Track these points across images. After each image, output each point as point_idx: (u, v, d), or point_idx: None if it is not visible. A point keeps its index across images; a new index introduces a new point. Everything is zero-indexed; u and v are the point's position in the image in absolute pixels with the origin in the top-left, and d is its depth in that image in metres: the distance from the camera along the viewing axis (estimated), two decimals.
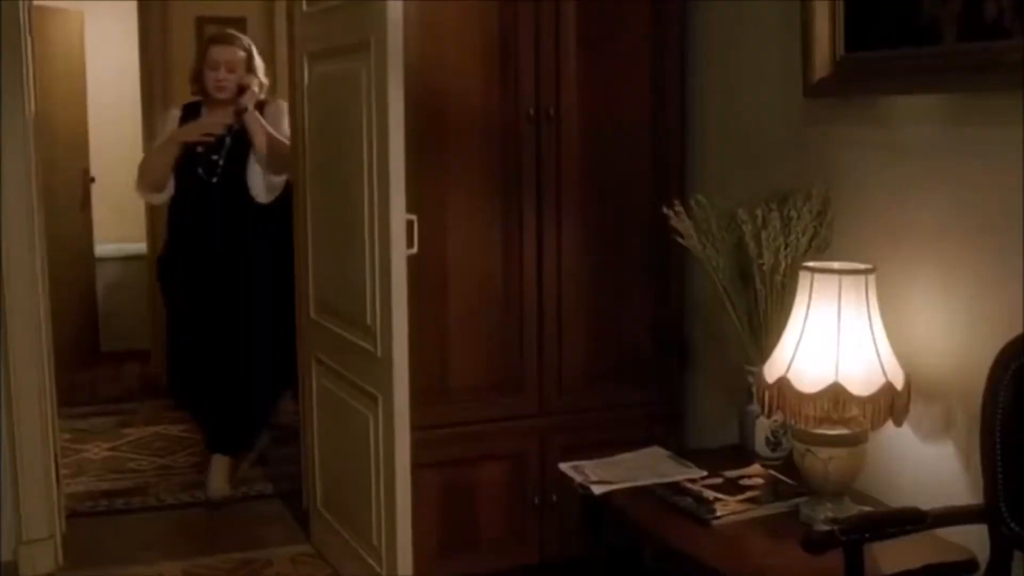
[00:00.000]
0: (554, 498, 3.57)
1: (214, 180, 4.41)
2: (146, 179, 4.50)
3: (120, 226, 7.53)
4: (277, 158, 4.36)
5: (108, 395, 6.43)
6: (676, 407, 3.76)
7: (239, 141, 4.42)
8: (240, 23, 6.94)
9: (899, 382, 2.52)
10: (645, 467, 3.03)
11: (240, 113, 4.39)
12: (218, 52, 4.43)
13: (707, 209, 3.10)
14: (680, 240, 3.14)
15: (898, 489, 2.76)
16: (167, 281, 4.68)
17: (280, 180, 4.44)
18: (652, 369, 3.71)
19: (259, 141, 4.38)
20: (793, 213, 2.92)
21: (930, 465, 2.70)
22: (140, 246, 6.94)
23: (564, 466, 3.06)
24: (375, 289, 3.21)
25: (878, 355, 2.51)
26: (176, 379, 4.87)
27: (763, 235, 2.93)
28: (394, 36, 3.02)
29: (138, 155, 7.18)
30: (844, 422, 2.51)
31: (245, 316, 4.49)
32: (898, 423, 2.54)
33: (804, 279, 2.60)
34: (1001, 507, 2.32)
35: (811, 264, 2.63)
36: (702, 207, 3.11)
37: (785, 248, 2.92)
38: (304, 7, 3.82)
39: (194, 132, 4.42)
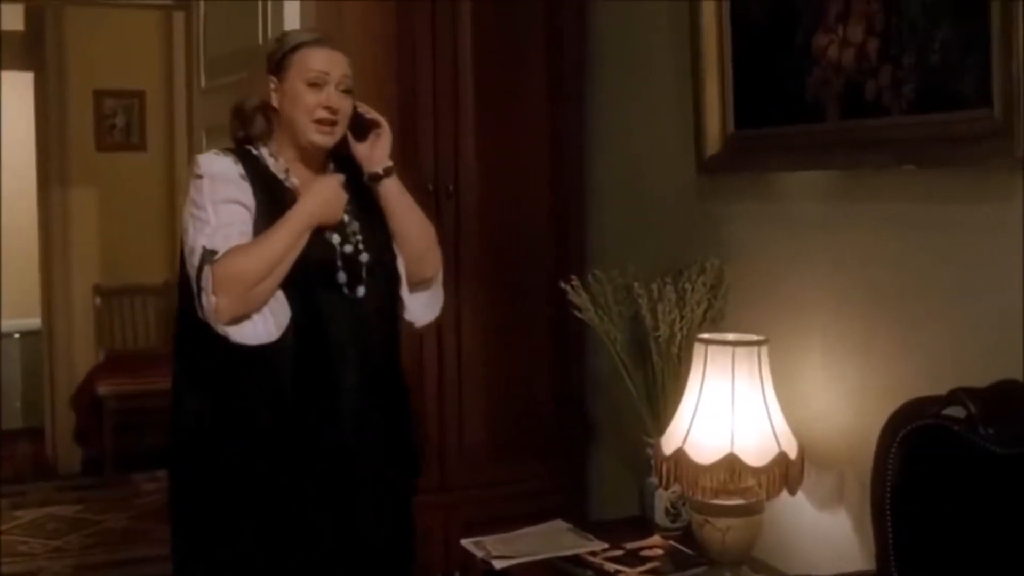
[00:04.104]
0: (456, 574, 3.53)
1: (360, 293, 2.51)
2: (253, 297, 2.30)
3: (17, 302, 7.31)
4: (432, 254, 2.69)
5: None
6: (578, 480, 3.76)
7: (368, 226, 2.56)
8: (140, 96, 6.90)
9: (792, 451, 2.56)
10: (546, 540, 3.02)
11: (376, 180, 2.56)
12: (328, 58, 2.47)
13: (604, 283, 3.14)
14: (578, 314, 3.18)
15: (795, 556, 2.79)
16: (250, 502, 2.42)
17: (439, 288, 2.76)
18: (554, 443, 3.71)
19: (418, 227, 2.63)
20: (688, 286, 2.97)
21: (825, 532, 2.74)
22: (35, 321, 6.78)
23: (466, 542, 3.04)
24: None
25: (772, 425, 2.54)
26: None
27: (659, 308, 2.97)
28: None
29: (33, 233, 6.84)
30: (740, 492, 2.55)
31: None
32: (792, 492, 2.58)
33: (699, 351, 2.63)
34: (893, 573, 2.36)
35: (705, 336, 2.67)
36: (599, 281, 3.15)
37: (680, 320, 2.96)
38: (203, 83, 3.81)
39: (338, 206, 2.49)
